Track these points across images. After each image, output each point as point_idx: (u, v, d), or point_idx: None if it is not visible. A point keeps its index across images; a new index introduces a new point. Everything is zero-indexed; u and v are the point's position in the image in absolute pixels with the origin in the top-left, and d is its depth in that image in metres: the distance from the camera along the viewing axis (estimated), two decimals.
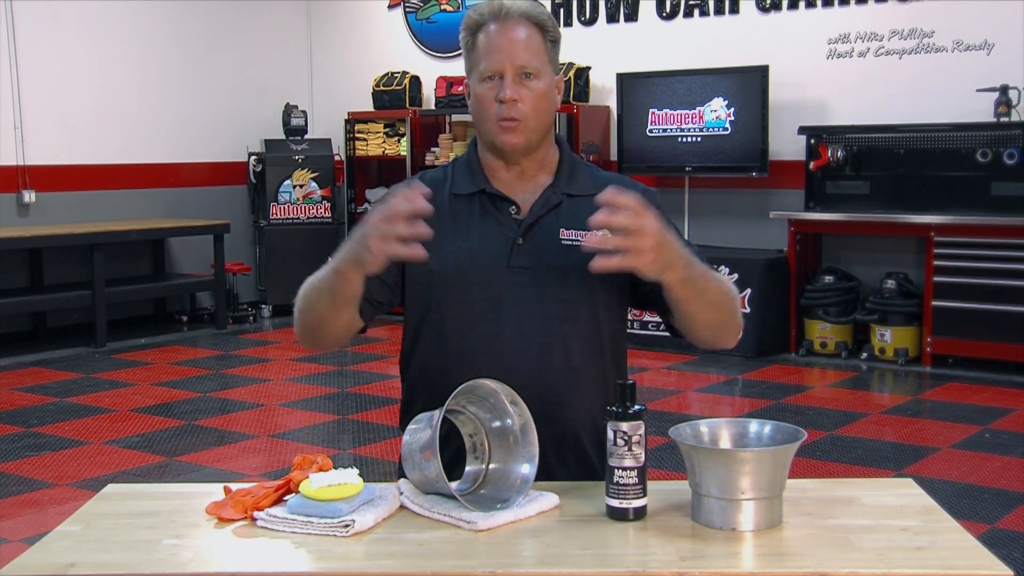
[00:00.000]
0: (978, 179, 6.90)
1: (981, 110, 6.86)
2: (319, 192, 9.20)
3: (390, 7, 9.65)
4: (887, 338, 7.05)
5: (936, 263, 6.82)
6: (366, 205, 9.49)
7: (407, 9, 9.55)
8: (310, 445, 5.52)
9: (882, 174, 7.29)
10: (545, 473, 1.93)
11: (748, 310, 7.30)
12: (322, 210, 9.22)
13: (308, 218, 9.19)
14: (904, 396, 6.48)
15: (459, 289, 2.06)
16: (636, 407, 1.76)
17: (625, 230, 1.75)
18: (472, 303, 2.07)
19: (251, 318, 9.06)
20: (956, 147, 6.98)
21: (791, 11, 7.71)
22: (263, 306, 9.23)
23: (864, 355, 7.16)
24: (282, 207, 9.12)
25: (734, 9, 7.94)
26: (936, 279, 6.82)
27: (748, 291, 7.31)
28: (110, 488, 1.99)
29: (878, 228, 7.23)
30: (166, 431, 5.74)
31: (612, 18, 8.46)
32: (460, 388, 1.82)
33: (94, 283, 7.86)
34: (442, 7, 9.36)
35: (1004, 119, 6.74)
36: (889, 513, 1.80)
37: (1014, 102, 6.74)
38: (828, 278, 7.34)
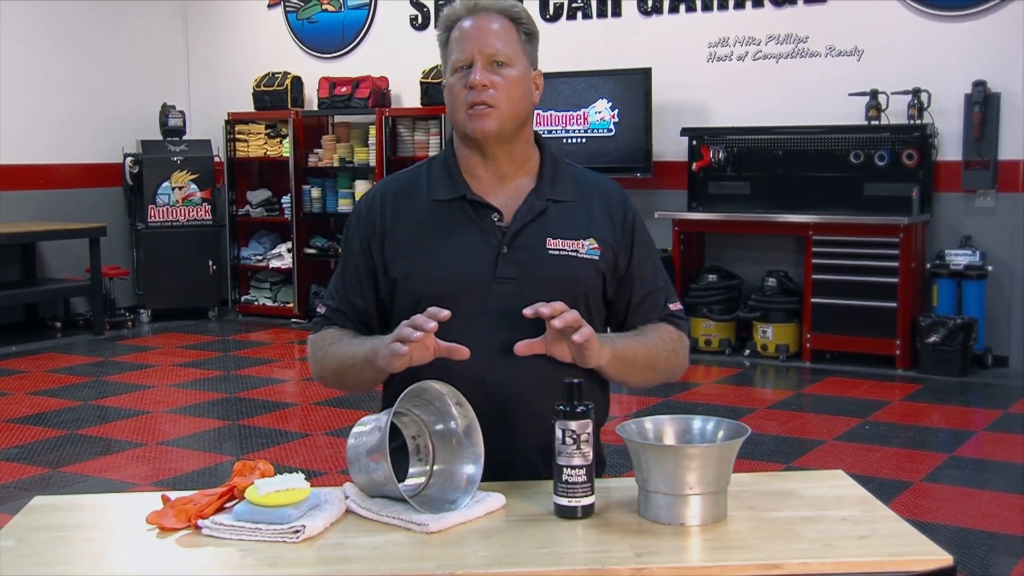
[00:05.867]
0: (851, 180, 7.15)
1: (853, 113, 7.11)
2: (199, 194, 9.00)
3: (270, 6, 9.49)
4: (769, 335, 7.24)
5: (814, 261, 7.03)
6: (247, 207, 9.31)
7: (287, 9, 9.41)
8: (198, 452, 5.40)
9: (761, 174, 7.49)
10: (530, 474, 1.99)
11: None
12: (202, 212, 9.02)
13: (188, 220, 8.97)
14: (787, 391, 6.67)
15: (445, 302, 2.00)
16: (583, 406, 1.78)
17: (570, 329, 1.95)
18: (458, 316, 2.00)
19: (130, 323, 8.81)
20: (831, 149, 7.23)
21: (672, 15, 7.85)
22: (142, 311, 8.99)
23: (747, 352, 7.34)
24: (161, 209, 8.89)
25: (616, 12, 8.04)
26: (815, 276, 7.03)
27: None
28: (38, 500, 1.92)
29: (759, 227, 7.43)
30: (47, 441, 5.54)
31: None
32: (408, 390, 1.81)
33: None
34: (323, 7, 9.25)
35: (875, 122, 7.01)
36: (828, 504, 1.86)
37: (883, 106, 7.00)
38: (711, 277, 7.50)
